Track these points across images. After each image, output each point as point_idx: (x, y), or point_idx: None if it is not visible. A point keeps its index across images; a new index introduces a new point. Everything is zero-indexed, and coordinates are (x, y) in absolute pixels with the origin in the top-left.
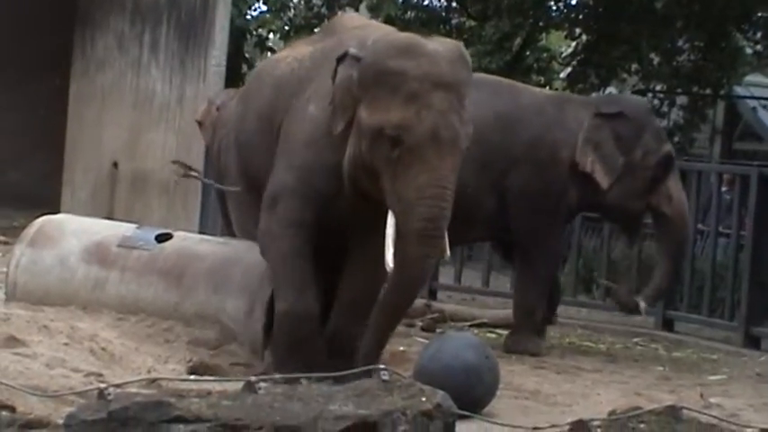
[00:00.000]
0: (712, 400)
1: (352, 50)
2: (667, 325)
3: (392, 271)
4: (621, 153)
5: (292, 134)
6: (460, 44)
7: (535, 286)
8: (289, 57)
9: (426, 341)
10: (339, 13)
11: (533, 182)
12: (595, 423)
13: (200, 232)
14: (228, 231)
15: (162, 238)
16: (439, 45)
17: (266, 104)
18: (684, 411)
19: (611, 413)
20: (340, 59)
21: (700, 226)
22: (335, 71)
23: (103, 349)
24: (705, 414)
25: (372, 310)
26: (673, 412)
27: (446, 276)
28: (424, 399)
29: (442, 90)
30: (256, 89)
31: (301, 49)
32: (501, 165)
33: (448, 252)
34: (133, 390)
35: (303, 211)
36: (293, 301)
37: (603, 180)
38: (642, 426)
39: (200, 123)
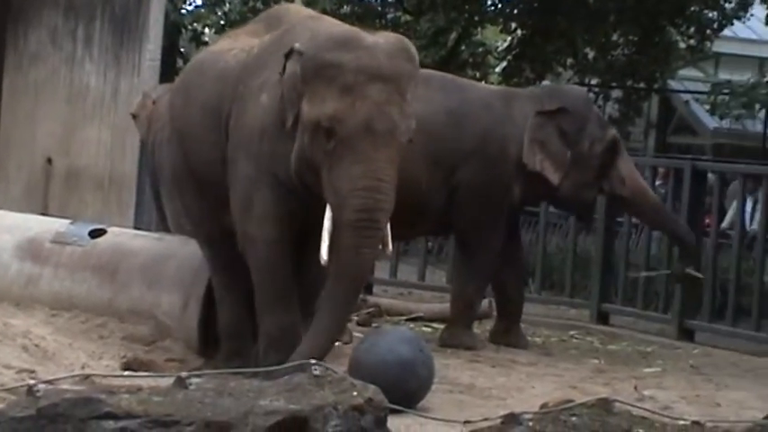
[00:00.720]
0: (646, 392)
1: (297, 46)
2: (602, 318)
3: (331, 265)
4: (568, 147)
5: (245, 124)
6: (404, 38)
7: (474, 280)
8: (234, 48)
9: (362, 335)
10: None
11: (481, 177)
12: (527, 416)
13: (135, 228)
14: (163, 227)
15: (96, 234)
16: (380, 38)
17: (212, 96)
18: (617, 404)
19: (543, 406)
20: (288, 55)
21: (634, 220)
22: (284, 66)
23: (36, 346)
24: (638, 407)
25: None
26: (605, 405)
27: (382, 271)
28: (355, 393)
29: (379, 82)
30: (198, 81)
31: (246, 40)
32: (452, 160)
33: (390, 246)
34: (64, 386)
35: (275, 204)
36: (284, 319)
37: (554, 177)
38: (574, 419)
39: (134, 117)
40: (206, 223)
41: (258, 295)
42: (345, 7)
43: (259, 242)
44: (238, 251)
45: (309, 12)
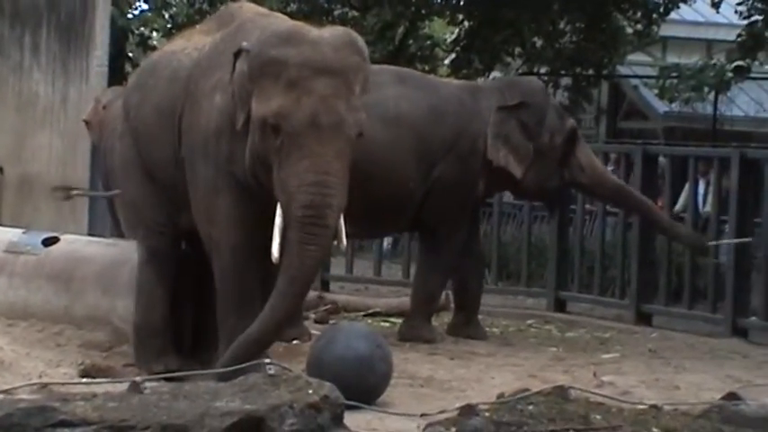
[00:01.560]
0: (605, 378)
1: (245, 45)
2: (559, 306)
3: (281, 261)
4: (530, 140)
5: (200, 125)
6: (352, 31)
7: (437, 274)
8: (186, 48)
9: (319, 333)
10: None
11: (454, 172)
12: (483, 407)
13: (90, 234)
14: (117, 232)
15: (49, 242)
16: (326, 32)
17: (165, 96)
18: (573, 391)
19: (500, 396)
20: (237, 54)
21: (588, 206)
22: (233, 65)
23: None
24: (594, 393)
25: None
26: (561, 392)
27: (338, 267)
28: (311, 391)
29: (325, 76)
30: (152, 81)
31: (199, 39)
32: (433, 156)
33: (344, 241)
34: (21, 396)
35: (236, 206)
36: (243, 321)
37: (517, 170)
38: (531, 407)
39: (87, 123)
40: (149, 217)
41: (221, 299)
42: (292, 5)
43: (223, 246)
44: (178, 249)
45: (260, 9)
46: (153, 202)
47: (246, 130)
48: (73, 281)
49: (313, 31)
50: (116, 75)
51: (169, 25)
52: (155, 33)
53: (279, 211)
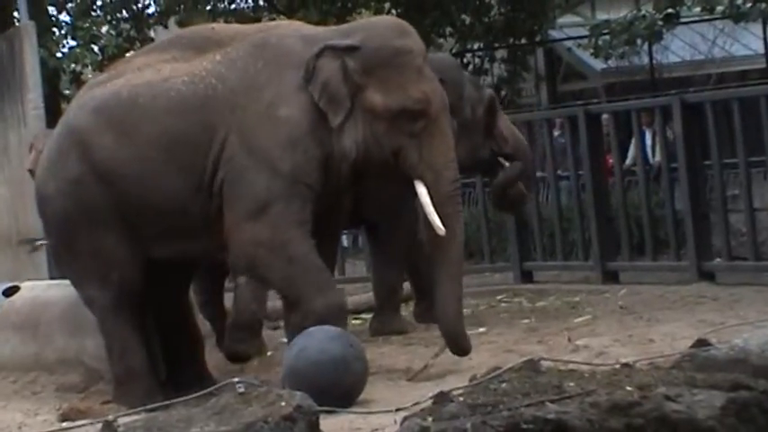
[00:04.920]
0: (579, 342)
1: (334, 43)
2: (526, 277)
3: (437, 236)
4: (453, 117)
5: (264, 142)
6: None
7: (392, 265)
8: (179, 77)
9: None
10: (153, 31)
11: None
12: (458, 392)
13: (50, 278)
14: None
15: (9, 292)
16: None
17: (176, 128)
18: (543, 363)
19: (472, 378)
20: (318, 55)
21: (540, 174)
22: (313, 68)
23: None
24: (565, 361)
25: None
26: (532, 366)
27: None
28: (283, 403)
29: (427, 63)
30: (137, 117)
31: (190, 67)
32: None
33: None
34: None
35: (303, 211)
36: (330, 295)
37: None
38: (504, 385)
39: (31, 171)
40: (119, 260)
41: (294, 286)
42: (219, 20)
43: (282, 243)
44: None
45: (242, 27)
46: (127, 244)
47: (329, 130)
48: (39, 327)
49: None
50: (52, 115)
51: (99, 58)
52: (87, 68)
53: (422, 191)
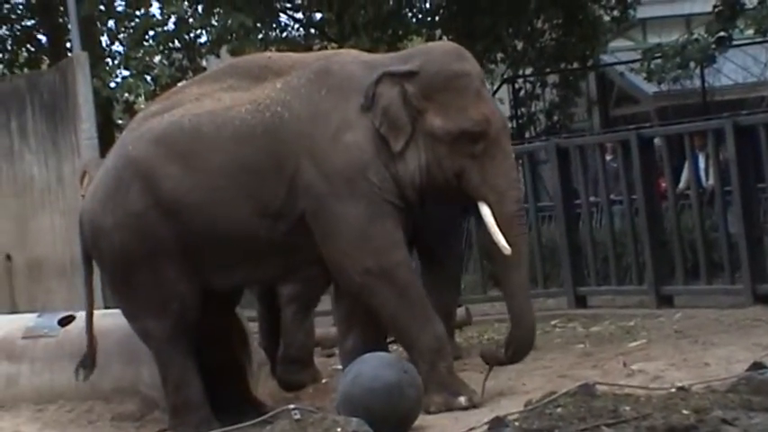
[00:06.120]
0: (635, 366)
1: (393, 69)
2: (580, 302)
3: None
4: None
5: (334, 171)
6: None
7: (448, 289)
8: (242, 105)
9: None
10: (205, 60)
11: None
12: (513, 417)
13: (107, 307)
14: None
15: (65, 322)
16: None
17: (244, 156)
18: (598, 387)
19: (528, 403)
20: (377, 82)
21: (593, 198)
22: (373, 95)
23: None
24: (620, 385)
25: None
26: (587, 390)
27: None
28: (339, 429)
29: (485, 85)
30: (204, 147)
31: (252, 95)
32: None
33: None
34: None
35: (398, 230)
36: (436, 327)
37: None
38: (559, 410)
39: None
40: (179, 292)
41: (402, 321)
42: (272, 48)
43: (389, 269)
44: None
45: (300, 55)
46: (187, 275)
47: (404, 152)
48: (95, 356)
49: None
50: (105, 145)
51: (152, 87)
52: (140, 98)
53: (485, 211)
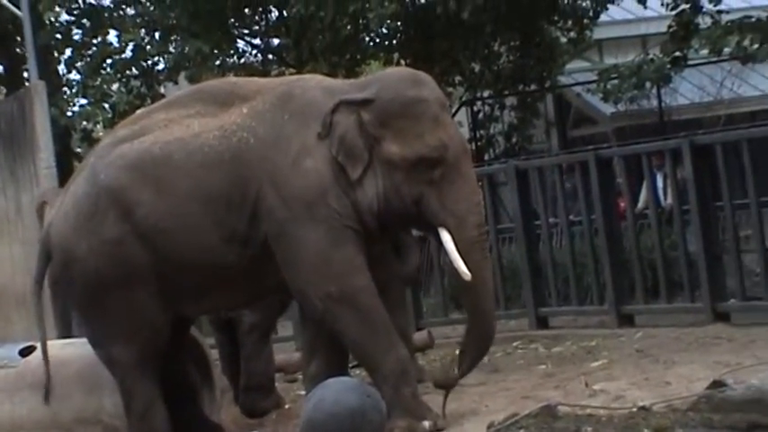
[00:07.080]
0: (596, 386)
1: (349, 97)
2: (542, 323)
3: (466, 283)
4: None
5: (295, 195)
6: None
7: (401, 312)
8: (210, 131)
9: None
10: (163, 87)
11: None
12: None
13: (69, 337)
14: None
15: (25, 352)
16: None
17: (211, 182)
18: (560, 408)
19: (491, 425)
20: (334, 110)
21: (552, 219)
22: (330, 123)
23: None
24: (582, 405)
25: None
26: (549, 411)
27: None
28: None
29: (444, 108)
30: (173, 173)
31: (220, 121)
32: None
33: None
34: None
35: (359, 255)
36: (402, 352)
37: None
38: (522, 431)
39: None
40: (149, 319)
41: (364, 345)
42: (230, 74)
43: (351, 293)
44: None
45: (265, 80)
46: (158, 301)
47: (361, 180)
48: (56, 386)
49: (418, 73)
50: (64, 174)
51: (110, 115)
52: (98, 126)
53: (446, 237)
